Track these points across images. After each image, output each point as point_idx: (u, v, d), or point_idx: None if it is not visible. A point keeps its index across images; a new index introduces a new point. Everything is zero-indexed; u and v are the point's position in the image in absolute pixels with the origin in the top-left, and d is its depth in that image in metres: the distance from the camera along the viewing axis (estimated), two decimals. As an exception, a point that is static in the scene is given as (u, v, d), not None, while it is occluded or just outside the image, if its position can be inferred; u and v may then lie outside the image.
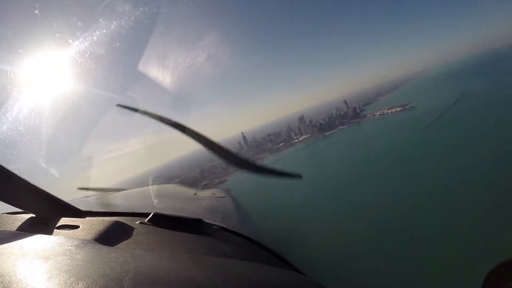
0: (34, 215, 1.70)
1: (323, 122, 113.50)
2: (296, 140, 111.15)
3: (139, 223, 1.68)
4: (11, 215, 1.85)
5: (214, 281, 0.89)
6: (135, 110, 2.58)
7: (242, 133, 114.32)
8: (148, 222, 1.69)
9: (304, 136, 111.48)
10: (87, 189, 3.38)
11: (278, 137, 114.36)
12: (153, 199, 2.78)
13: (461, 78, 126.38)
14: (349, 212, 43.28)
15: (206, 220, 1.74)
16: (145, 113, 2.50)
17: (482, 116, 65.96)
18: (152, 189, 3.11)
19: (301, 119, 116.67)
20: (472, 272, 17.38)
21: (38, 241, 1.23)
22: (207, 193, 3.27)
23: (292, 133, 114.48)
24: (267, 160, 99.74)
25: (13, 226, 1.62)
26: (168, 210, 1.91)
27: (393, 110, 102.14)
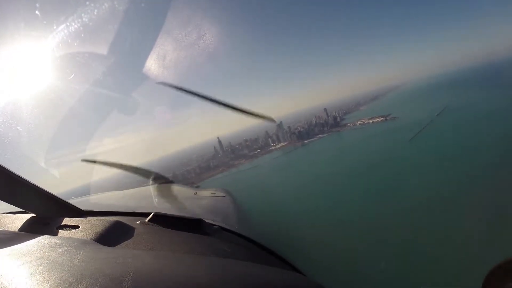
0: (34, 215, 1.72)
1: (302, 129, 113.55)
2: (273, 147, 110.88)
3: (140, 223, 1.71)
4: (11, 215, 1.88)
5: (214, 281, 0.90)
6: (176, 87, 2.71)
7: (218, 137, 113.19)
8: (148, 222, 1.73)
9: (282, 143, 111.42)
10: (92, 161, 3.32)
11: (255, 143, 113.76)
12: (153, 199, 2.87)
13: (443, 91, 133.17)
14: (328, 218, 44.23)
15: (206, 220, 1.78)
16: (185, 90, 2.61)
17: (467, 128, 68.68)
18: (152, 188, 3.17)
19: (279, 125, 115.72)
20: (472, 272, 18.07)
21: (38, 241, 1.25)
22: (207, 193, 3.27)
23: (270, 140, 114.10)
24: (243, 167, 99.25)
25: (13, 226, 1.65)
26: (168, 210, 2.01)
27: (374, 120, 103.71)
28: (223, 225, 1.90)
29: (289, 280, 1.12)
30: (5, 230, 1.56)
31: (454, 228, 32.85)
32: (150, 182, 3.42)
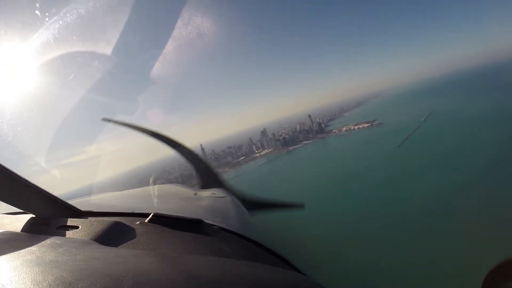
0: (34, 215, 1.73)
1: (286, 136, 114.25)
2: (257, 154, 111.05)
3: (139, 223, 1.73)
4: (11, 215, 1.91)
5: (214, 281, 0.92)
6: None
7: (201, 145, 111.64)
8: (148, 222, 1.74)
9: (266, 150, 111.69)
10: (111, 121, 3.42)
11: (239, 151, 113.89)
12: (153, 199, 2.94)
13: (427, 96, 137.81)
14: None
15: (206, 220, 1.80)
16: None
17: (454, 132, 70.21)
18: (152, 189, 3.22)
19: (264, 132, 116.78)
20: (472, 272, 17.90)
21: (38, 241, 1.28)
22: (207, 193, 3.28)
23: (254, 147, 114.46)
24: (227, 175, 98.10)
25: (13, 227, 1.67)
26: (168, 210, 1.97)
27: (360, 126, 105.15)
28: (223, 226, 1.88)
29: (289, 280, 1.13)
30: (5, 231, 1.58)
31: (452, 229, 33.19)
32: (150, 182, 3.44)
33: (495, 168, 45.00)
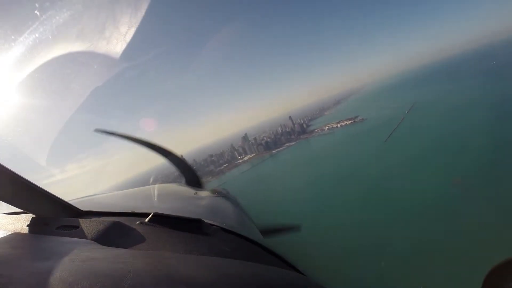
0: (34, 215, 1.73)
1: (268, 139, 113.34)
2: (240, 161, 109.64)
3: (139, 223, 1.72)
4: (11, 215, 1.91)
5: (214, 281, 0.93)
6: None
7: (181, 155, 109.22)
8: (147, 222, 1.74)
9: (249, 156, 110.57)
10: (105, 132, 3.45)
11: (221, 158, 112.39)
12: (153, 199, 2.90)
13: (406, 89, 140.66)
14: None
15: (206, 220, 1.80)
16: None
17: (440, 122, 70.18)
18: (152, 189, 3.21)
19: (245, 137, 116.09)
20: (472, 272, 16.51)
21: (38, 241, 1.33)
22: (207, 193, 3.22)
23: (236, 153, 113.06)
24: (210, 184, 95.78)
25: (13, 226, 1.68)
26: (168, 210, 2.00)
27: (343, 124, 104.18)
28: (223, 225, 1.87)
29: (289, 280, 1.14)
30: (5, 231, 1.58)
31: (451, 228, 32.66)
32: (150, 182, 3.44)
33: (490, 158, 43.89)
